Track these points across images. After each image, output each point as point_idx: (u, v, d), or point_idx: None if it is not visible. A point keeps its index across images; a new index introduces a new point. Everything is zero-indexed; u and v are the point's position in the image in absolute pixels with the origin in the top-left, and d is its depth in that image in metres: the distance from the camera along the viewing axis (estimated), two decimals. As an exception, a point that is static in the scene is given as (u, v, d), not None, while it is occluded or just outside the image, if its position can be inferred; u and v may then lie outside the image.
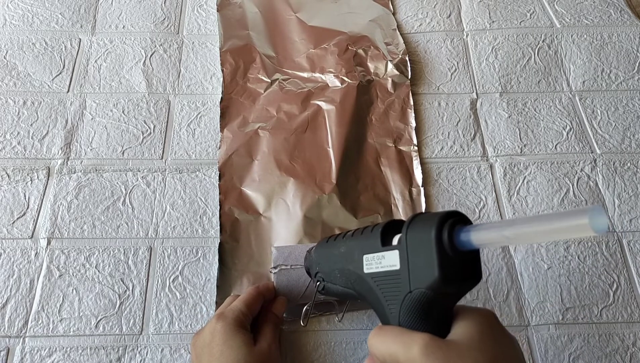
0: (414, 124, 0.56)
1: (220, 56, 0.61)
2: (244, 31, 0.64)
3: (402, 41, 0.63)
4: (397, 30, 0.64)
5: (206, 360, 0.37)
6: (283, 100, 0.58)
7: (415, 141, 0.55)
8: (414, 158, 0.54)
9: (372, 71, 0.61)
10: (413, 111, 0.57)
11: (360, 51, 0.62)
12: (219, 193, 0.51)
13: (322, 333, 0.44)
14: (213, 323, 0.38)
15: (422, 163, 0.54)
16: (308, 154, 0.54)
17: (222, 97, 0.58)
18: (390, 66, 0.60)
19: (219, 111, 0.57)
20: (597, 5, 0.68)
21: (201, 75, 0.61)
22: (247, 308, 0.40)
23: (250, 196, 0.51)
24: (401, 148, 0.55)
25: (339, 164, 0.52)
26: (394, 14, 0.67)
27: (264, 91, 0.59)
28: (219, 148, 0.54)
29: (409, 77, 0.60)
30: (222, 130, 0.55)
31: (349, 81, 0.59)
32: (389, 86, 0.59)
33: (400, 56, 0.61)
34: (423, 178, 0.53)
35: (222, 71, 0.60)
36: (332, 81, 0.59)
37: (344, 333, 0.44)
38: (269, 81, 0.59)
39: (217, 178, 0.52)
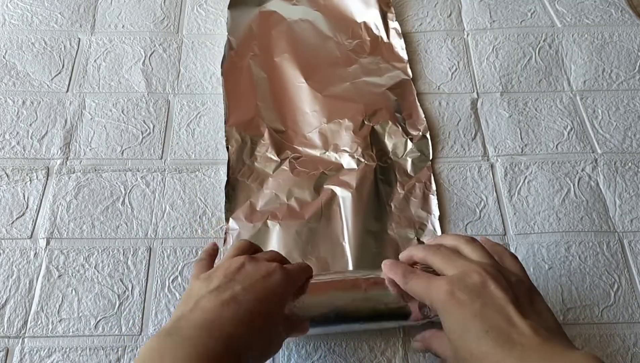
0: (437, 213, 0.50)
1: (225, 131, 0.55)
2: (251, 102, 0.58)
3: (423, 115, 0.57)
4: (417, 101, 0.58)
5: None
6: (294, 184, 0.52)
7: (439, 233, 0.49)
8: None
9: (390, 149, 0.55)
10: (436, 196, 0.51)
11: (378, 127, 0.56)
12: None
13: (322, 333, 0.44)
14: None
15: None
16: (322, 250, 0.48)
17: (227, 180, 0.52)
18: (410, 145, 0.55)
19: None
20: (598, 5, 0.68)
21: (200, 75, 0.60)
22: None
23: None
24: (423, 240, 0.49)
25: (356, 262, 0.47)
26: (412, 78, 0.61)
27: (273, 172, 0.53)
28: (224, 243, 0.48)
29: (430, 158, 0.54)
30: (227, 220, 0.50)
31: (366, 162, 0.53)
32: (409, 167, 0.53)
33: (421, 133, 0.55)
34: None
35: (227, 148, 0.54)
36: (347, 161, 0.54)
37: (344, 334, 0.44)
38: (279, 160, 0.54)
39: (217, 178, 0.52)
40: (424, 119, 0.57)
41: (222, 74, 0.60)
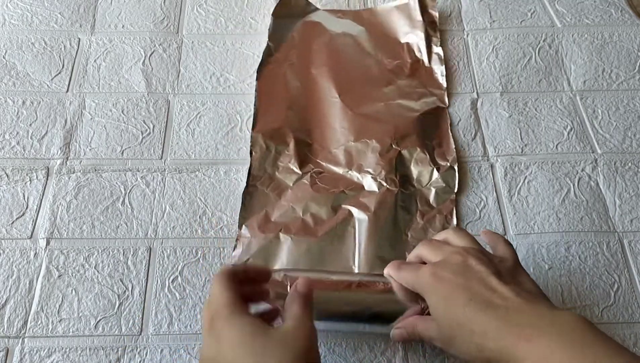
0: None
1: (251, 137, 0.55)
2: (281, 110, 0.57)
3: (454, 146, 0.55)
4: (450, 131, 0.56)
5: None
6: (312, 199, 0.51)
7: None
8: None
9: (414, 177, 0.53)
10: None
11: (405, 152, 0.54)
12: None
13: (322, 333, 0.44)
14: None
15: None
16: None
17: (246, 186, 0.52)
18: (435, 174, 0.53)
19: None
20: (598, 5, 0.68)
21: (200, 75, 0.60)
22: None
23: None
24: None
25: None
26: (448, 106, 0.59)
27: (293, 184, 0.52)
28: (234, 249, 0.48)
29: (455, 190, 0.52)
30: (240, 226, 0.49)
31: (387, 186, 0.52)
32: (432, 197, 0.51)
33: (448, 164, 0.53)
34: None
35: (251, 154, 0.54)
36: (368, 183, 0.52)
37: (344, 334, 0.44)
38: (300, 173, 0.53)
39: (217, 178, 0.52)
40: (454, 150, 0.54)
41: (257, 79, 0.60)
